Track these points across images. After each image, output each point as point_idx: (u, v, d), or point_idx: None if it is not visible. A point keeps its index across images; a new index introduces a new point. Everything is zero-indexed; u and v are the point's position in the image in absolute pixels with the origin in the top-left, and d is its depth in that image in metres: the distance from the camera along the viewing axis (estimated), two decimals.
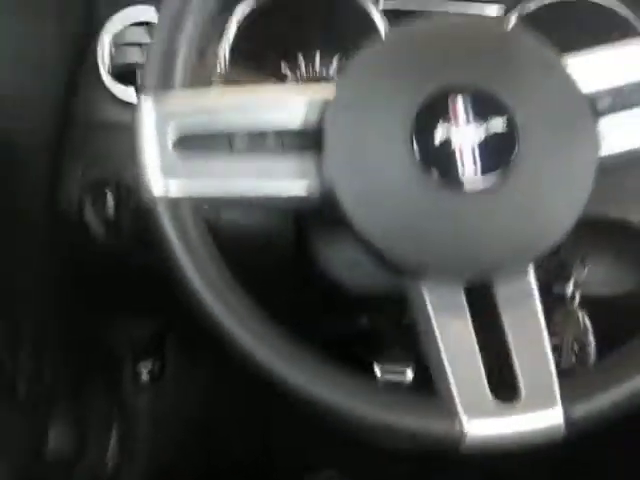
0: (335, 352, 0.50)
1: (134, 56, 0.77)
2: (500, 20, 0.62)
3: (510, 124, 0.46)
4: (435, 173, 0.46)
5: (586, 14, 0.73)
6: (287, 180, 0.48)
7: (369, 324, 0.71)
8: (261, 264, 0.69)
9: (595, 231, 0.63)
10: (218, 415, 1.11)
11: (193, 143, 0.48)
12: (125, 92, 0.77)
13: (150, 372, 1.06)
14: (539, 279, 0.53)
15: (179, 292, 0.48)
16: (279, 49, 0.81)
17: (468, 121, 0.46)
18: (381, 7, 0.76)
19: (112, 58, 0.77)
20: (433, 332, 0.48)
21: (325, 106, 0.47)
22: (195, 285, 0.47)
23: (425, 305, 0.48)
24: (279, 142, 0.49)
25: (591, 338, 0.69)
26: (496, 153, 0.46)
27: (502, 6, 0.74)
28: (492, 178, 0.46)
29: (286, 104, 0.48)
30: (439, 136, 0.46)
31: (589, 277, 0.69)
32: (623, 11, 0.73)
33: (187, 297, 0.48)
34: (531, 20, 0.73)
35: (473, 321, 0.48)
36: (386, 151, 0.47)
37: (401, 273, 0.48)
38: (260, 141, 0.49)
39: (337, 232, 0.53)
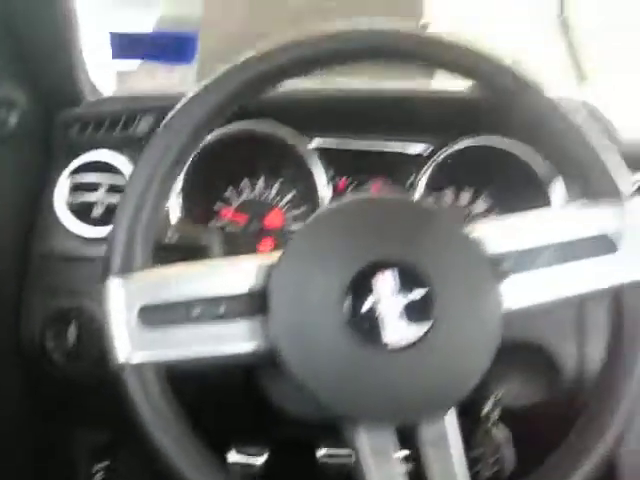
0: None
1: (90, 196, 0.85)
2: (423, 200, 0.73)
3: (429, 292, 0.54)
4: (364, 335, 0.54)
5: (497, 158, 0.84)
6: (238, 343, 0.55)
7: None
8: (215, 394, 0.78)
9: (510, 353, 0.68)
10: None
11: (155, 314, 0.55)
12: (81, 228, 0.84)
13: (105, 475, 1.06)
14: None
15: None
16: (226, 177, 0.90)
17: (393, 292, 0.54)
18: (313, 146, 0.86)
19: (69, 197, 0.85)
20: (363, 468, 0.55)
21: (270, 272, 0.55)
22: (156, 439, 0.54)
23: (357, 444, 0.55)
24: (231, 307, 0.55)
25: (508, 451, 0.78)
26: (416, 317, 0.54)
27: (428, 145, 0.86)
28: (413, 338, 0.53)
29: (235, 272, 0.56)
30: (368, 303, 0.54)
31: (506, 393, 0.78)
32: (528, 159, 0.84)
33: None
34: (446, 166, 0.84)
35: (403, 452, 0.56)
36: (322, 314, 0.54)
37: (337, 419, 0.55)
38: (214, 307, 0.55)
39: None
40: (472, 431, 0.77)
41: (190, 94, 0.58)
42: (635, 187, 0.72)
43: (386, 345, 0.53)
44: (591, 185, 0.58)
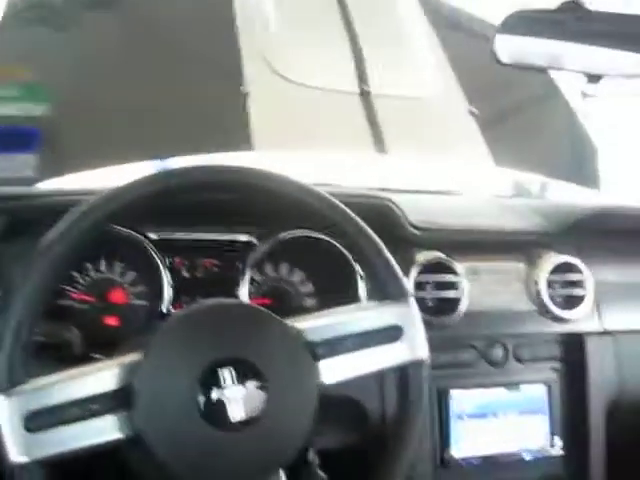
0: None
1: None
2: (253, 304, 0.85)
3: (261, 379, 0.69)
4: (212, 420, 0.67)
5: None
6: (108, 434, 0.66)
7: None
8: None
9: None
10: None
11: (37, 419, 0.64)
12: None
13: None
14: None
15: None
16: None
17: (233, 384, 0.68)
18: (154, 237, 0.99)
19: None
20: None
21: (133, 370, 0.67)
22: None
23: None
24: (101, 404, 0.66)
25: None
26: (253, 400, 0.68)
27: (252, 235, 1.02)
28: (249, 419, 0.68)
29: (102, 373, 0.67)
30: (214, 395, 0.67)
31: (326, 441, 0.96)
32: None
33: None
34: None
35: None
36: (179, 406, 0.67)
37: None
38: (86, 406, 0.65)
39: None
40: (299, 475, 0.89)
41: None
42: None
43: (232, 425, 0.67)
44: (383, 286, 0.77)
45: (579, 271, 1.15)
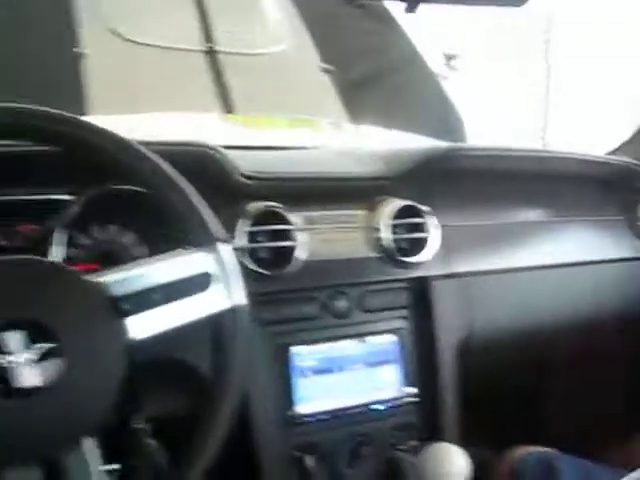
0: None
1: None
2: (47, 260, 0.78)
3: (56, 340, 0.63)
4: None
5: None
6: None
7: None
8: None
9: (162, 370, 0.87)
10: None
11: None
12: None
13: None
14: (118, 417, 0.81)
15: None
16: None
17: (20, 349, 0.62)
18: None
19: None
20: None
21: None
22: None
23: None
24: None
25: (161, 459, 0.90)
26: (46, 363, 0.62)
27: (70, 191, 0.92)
28: (44, 383, 0.62)
29: None
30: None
31: (156, 409, 0.91)
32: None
33: None
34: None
35: None
36: None
37: None
38: None
39: None
40: (125, 445, 0.87)
41: None
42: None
43: (19, 393, 0.61)
44: (191, 233, 0.73)
45: (421, 215, 1.12)
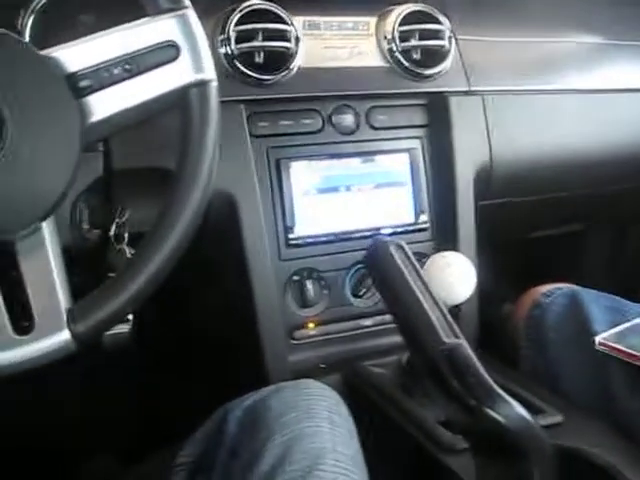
0: None
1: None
2: None
3: (2, 112, 0.55)
4: None
5: None
6: None
7: None
8: None
9: (137, 179, 0.84)
10: None
11: None
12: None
13: None
14: (95, 225, 0.82)
15: None
16: None
17: None
18: None
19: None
20: None
21: None
22: None
23: None
24: None
25: None
26: None
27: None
28: None
29: None
30: None
31: (134, 218, 0.83)
32: None
33: None
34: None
35: (4, 273, 0.59)
36: None
37: None
38: None
39: None
40: (105, 251, 0.82)
41: None
42: None
43: None
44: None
45: (436, 21, 0.99)
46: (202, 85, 0.63)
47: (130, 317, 0.87)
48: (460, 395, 0.55)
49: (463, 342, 0.57)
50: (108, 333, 0.88)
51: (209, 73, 0.64)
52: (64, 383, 1.16)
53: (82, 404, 1.28)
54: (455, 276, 0.79)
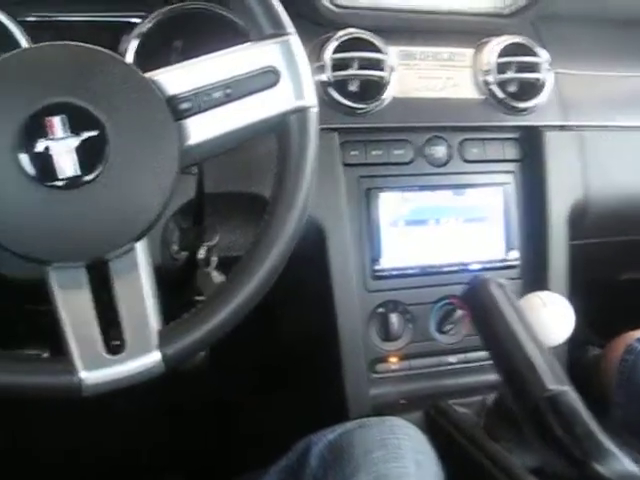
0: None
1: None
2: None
3: (102, 133, 0.56)
4: (40, 178, 0.55)
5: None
6: None
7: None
8: None
9: (228, 203, 0.84)
10: None
11: None
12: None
13: None
14: (184, 247, 0.82)
15: None
16: None
17: (64, 134, 0.55)
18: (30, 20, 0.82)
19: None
20: (57, 305, 0.57)
21: None
22: None
23: (51, 284, 0.57)
24: None
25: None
26: (91, 157, 0.55)
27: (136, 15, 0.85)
28: (89, 178, 0.55)
29: None
30: (40, 146, 0.55)
31: (223, 242, 0.84)
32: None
33: None
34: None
35: (98, 292, 0.58)
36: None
37: (30, 262, 0.56)
38: None
39: None
40: (192, 274, 0.81)
41: None
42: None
43: (62, 184, 0.55)
44: (254, 23, 0.63)
45: (534, 54, 0.97)
46: (302, 112, 0.62)
47: None
48: (564, 446, 0.52)
49: (569, 389, 0.54)
50: None
51: (310, 100, 0.63)
52: (137, 400, 1.17)
53: (154, 423, 1.29)
54: (552, 317, 0.76)
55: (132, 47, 0.82)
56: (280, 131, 0.63)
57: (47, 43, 0.63)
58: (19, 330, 0.71)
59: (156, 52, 0.79)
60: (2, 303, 0.83)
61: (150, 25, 0.83)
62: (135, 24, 0.84)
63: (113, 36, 0.84)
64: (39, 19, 0.83)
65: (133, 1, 0.86)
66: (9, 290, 0.80)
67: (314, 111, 0.63)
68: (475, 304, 0.67)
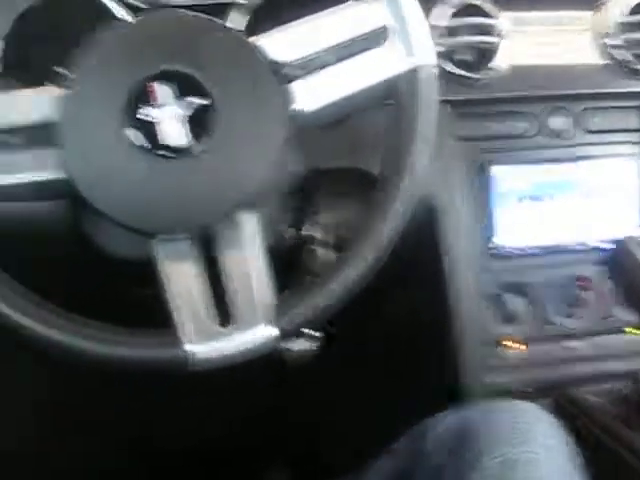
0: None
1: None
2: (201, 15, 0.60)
3: (209, 98, 0.54)
4: (145, 148, 0.54)
5: None
6: (30, 172, 0.55)
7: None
8: (44, 252, 0.76)
9: (338, 179, 0.80)
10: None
11: None
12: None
13: None
14: (293, 226, 0.79)
15: None
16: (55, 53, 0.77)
17: (172, 101, 0.54)
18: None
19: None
20: (163, 277, 0.56)
21: (60, 102, 0.54)
22: None
23: (158, 256, 0.56)
24: (24, 137, 0.55)
25: None
26: (197, 124, 0.54)
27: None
28: (194, 145, 0.54)
29: (28, 103, 0.56)
30: (145, 116, 0.54)
31: (334, 220, 0.80)
32: None
33: None
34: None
35: (205, 264, 0.57)
36: (105, 136, 0.54)
37: (139, 234, 0.56)
38: (6, 136, 0.55)
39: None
40: (299, 252, 0.80)
41: None
42: None
43: (169, 153, 0.54)
44: None
45: None
46: (418, 70, 0.58)
47: (317, 334, 0.85)
48: None
49: None
50: (293, 350, 0.87)
51: (426, 57, 0.58)
52: (245, 391, 1.17)
53: (261, 415, 1.28)
54: None
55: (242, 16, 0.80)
56: (393, 94, 0.59)
57: (151, 14, 0.62)
58: (125, 314, 0.70)
59: (260, 20, 0.77)
60: (108, 285, 0.84)
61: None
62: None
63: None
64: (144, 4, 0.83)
65: None
66: (115, 272, 0.80)
67: (432, 69, 0.59)
68: (622, 269, 0.61)
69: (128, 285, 0.88)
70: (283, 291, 0.59)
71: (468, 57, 0.85)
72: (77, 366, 0.56)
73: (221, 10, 0.82)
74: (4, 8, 0.75)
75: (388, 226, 0.57)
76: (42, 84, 0.60)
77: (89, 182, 0.54)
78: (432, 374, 0.94)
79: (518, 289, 0.87)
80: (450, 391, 0.84)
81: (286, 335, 0.57)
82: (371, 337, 1.13)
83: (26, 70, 0.74)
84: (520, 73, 0.86)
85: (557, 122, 0.88)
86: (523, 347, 0.87)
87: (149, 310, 0.80)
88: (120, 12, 0.77)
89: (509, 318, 0.86)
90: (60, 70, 0.75)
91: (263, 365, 0.59)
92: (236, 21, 0.79)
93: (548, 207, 0.87)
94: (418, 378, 1.00)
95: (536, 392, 0.84)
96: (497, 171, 0.86)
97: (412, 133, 0.58)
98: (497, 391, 0.85)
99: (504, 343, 0.87)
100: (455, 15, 0.84)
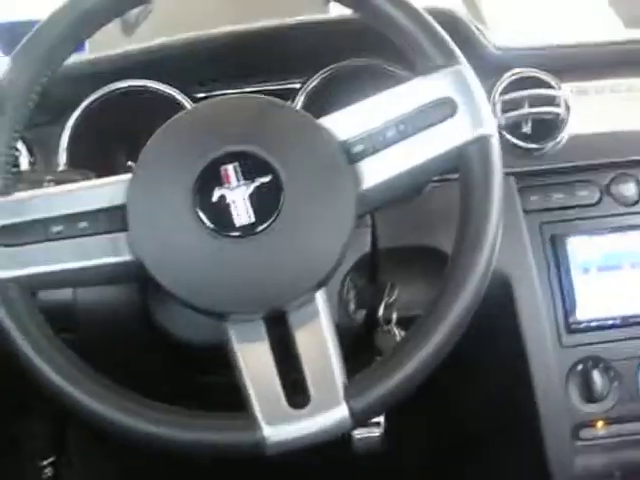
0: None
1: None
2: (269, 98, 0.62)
3: (276, 179, 0.55)
4: (216, 228, 0.55)
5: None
6: (101, 258, 0.56)
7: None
8: (114, 335, 0.78)
9: (408, 258, 0.80)
10: None
11: (15, 234, 0.56)
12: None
13: (53, 467, 1.07)
14: (361, 304, 0.79)
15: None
16: (123, 143, 0.86)
17: (239, 182, 0.55)
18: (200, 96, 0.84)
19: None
20: (236, 359, 0.56)
21: (127, 186, 0.56)
22: (28, 356, 0.55)
23: (229, 338, 0.56)
24: (92, 223, 0.56)
25: None
26: (267, 204, 0.55)
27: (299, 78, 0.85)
28: (265, 225, 0.55)
29: (94, 190, 0.58)
30: (215, 195, 0.55)
31: (403, 299, 0.80)
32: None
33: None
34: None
35: (274, 344, 0.56)
36: (175, 219, 0.55)
37: (210, 316, 0.56)
38: (74, 224, 0.56)
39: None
40: (371, 333, 0.79)
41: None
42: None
43: (238, 234, 0.54)
44: (422, 55, 0.59)
45: None
46: (483, 141, 0.58)
47: (382, 420, 0.82)
48: None
49: None
50: (359, 437, 0.83)
51: (490, 128, 0.58)
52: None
53: None
54: None
55: (300, 100, 0.82)
56: (461, 166, 0.59)
57: (217, 98, 0.63)
58: (189, 398, 0.69)
59: (322, 102, 0.78)
60: (173, 371, 0.83)
61: (314, 83, 0.84)
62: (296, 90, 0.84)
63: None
64: (207, 94, 0.85)
65: (288, 71, 0.87)
66: (180, 357, 0.79)
67: (495, 140, 0.58)
68: None
69: (192, 372, 0.88)
70: (354, 373, 0.57)
71: (529, 130, 0.84)
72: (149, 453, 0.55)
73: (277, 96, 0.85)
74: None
75: (462, 305, 0.55)
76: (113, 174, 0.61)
77: (160, 264, 0.55)
78: (519, 459, 0.89)
79: (602, 364, 0.82)
80: (537, 477, 0.79)
81: (361, 417, 0.55)
82: (447, 423, 1.09)
83: (95, 162, 0.76)
84: (582, 142, 0.85)
85: (626, 189, 0.86)
86: (612, 427, 0.82)
87: (213, 395, 0.79)
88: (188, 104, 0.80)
89: (595, 396, 0.81)
90: (130, 163, 0.78)
91: (331, 448, 0.57)
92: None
93: (625, 277, 0.83)
94: (504, 463, 0.95)
95: (628, 476, 0.79)
96: (569, 242, 0.83)
97: (486, 205, 0.57)
98: (585, 476, 0.80)
99: (592, 423, 0.82)
100: (514, 88, 0.83)
